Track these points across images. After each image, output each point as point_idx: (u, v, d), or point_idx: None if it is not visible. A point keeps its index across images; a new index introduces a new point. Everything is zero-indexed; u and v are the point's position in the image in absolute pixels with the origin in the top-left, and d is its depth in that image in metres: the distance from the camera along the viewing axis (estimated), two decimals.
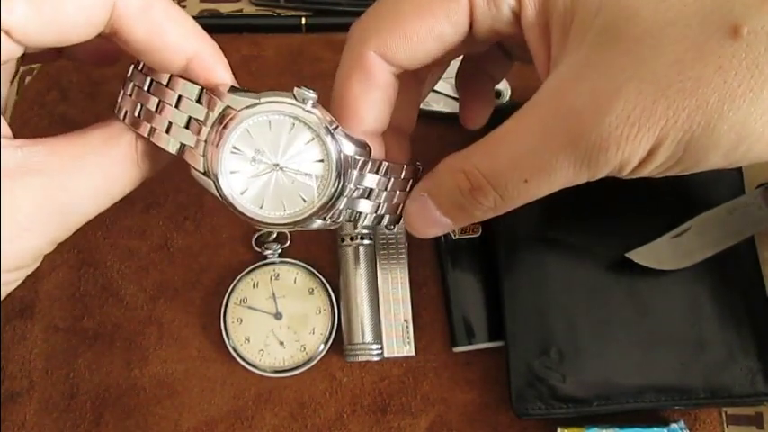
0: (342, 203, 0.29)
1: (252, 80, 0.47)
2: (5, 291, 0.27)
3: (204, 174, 0.28)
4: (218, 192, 0.28)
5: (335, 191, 0.28)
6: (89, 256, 0.44)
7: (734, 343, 0.39)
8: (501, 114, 0.44)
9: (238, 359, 0.42)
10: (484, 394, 0.42)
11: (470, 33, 0.29)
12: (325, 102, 0.29)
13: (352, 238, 0.42)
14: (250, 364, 0.42)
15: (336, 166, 0.28)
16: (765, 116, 0.24)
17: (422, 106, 0.44)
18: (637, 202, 0.41)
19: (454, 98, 0.45)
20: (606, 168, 0.26)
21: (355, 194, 0.29)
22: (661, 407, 0.39)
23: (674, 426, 0.39)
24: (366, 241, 0.42)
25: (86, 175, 0.27)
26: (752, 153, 0.25)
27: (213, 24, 0.49)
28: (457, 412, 0.42)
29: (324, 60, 0.47)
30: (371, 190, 0.30)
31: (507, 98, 0.45)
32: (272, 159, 0.28)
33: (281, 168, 0.28)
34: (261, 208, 0.28)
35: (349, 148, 0.28)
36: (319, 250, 0.44)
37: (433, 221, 0.30)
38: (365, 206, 0.30)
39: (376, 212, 0.31)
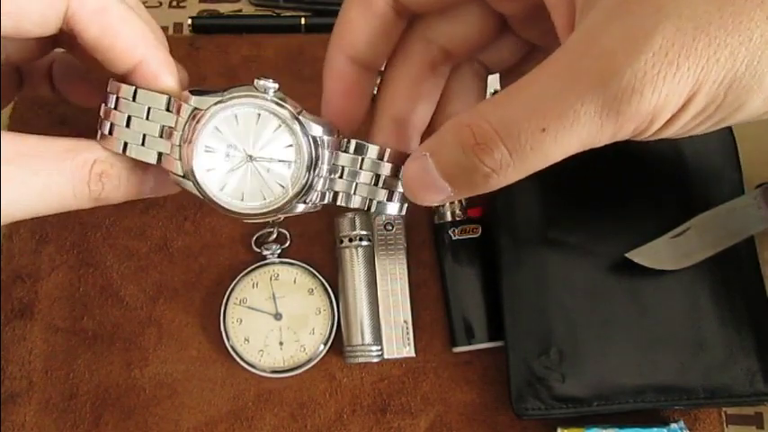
0: (320, 185, 0.30)
1: (252, 80, 0.47)
2: None
3: (183, 177, 0.29)
4: (198, 191, 0.29)
5: (310, 173, 0.29)
6: (89, 256, 0.44)
7: (734, 343, 0.39)
8: None
9: (238, 359, 0.42)
10: (484, 394, 0.42)
11: None
12: (316, 103, 0.30)
13: (350, 239, 0.42)
14: (250, 365, 0.42)
15: (307, 149, 0.28)
16: None
17: None
18: (637, 202, 0.41)
19: None
20: (637, 117, 0.23)
21: (332, 175, 0.30)
22: (661, 407, 0.39)
23: (673, 426, 0.39)
24: (365, 242, 0.42)
25: (24, 172, 0.27)
26: None
27: (213, 24, 0.49)
28: (457, 412, 0.42)
29: (324, 60, 0.47)
30: (344, 168, 0.30)
31: None
32: (245, 151, 0.29)
33: (254, 159, 0.29)
34: (242, 200, 0.29)
35: (317, 130, 0.29)
36: (319, 251, 0.44)
37: (430, 184, 0.27)
38: (340, 185, 0.30)
39: (355, 193, 0.31)
